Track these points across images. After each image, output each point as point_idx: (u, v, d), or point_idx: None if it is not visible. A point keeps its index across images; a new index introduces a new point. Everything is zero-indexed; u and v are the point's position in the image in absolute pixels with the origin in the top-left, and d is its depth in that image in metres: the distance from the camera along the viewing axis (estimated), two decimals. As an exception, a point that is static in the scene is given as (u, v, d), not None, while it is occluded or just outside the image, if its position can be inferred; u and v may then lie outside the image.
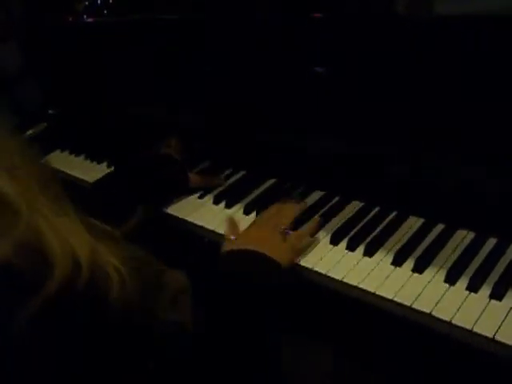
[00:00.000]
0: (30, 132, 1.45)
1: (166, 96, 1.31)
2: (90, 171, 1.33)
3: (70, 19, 1.43)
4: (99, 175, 1.28)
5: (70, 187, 1.32)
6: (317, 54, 0.99)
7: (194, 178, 1.15)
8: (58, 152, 1.48)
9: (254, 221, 0.98)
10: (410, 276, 0.83)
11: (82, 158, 1.42)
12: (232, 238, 0.94)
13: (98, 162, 1.36)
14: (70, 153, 1.45)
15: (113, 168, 1.31)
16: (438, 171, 0.92)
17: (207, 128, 1.26)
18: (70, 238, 0.51)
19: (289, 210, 0.97)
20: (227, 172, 1.21)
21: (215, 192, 1.14)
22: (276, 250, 0.86)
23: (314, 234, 0.96)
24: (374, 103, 0.95)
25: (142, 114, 1.39)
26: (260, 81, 1.11)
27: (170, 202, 1.11)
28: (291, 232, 0.92)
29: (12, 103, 1.67)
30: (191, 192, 1.14)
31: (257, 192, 1.13)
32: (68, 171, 1.37)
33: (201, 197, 1.14)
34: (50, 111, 1.48)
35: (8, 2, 1.51)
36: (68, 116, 1.52)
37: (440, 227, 0.92)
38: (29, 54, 1.64)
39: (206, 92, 1.22)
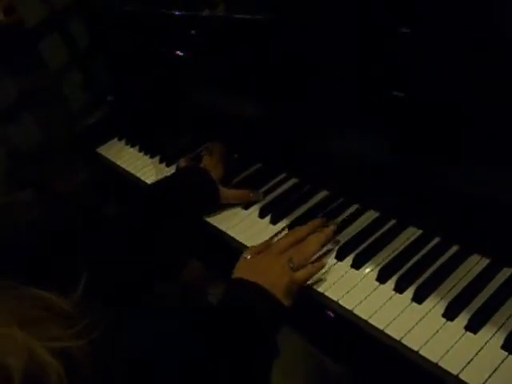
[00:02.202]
0: (90, 120, 1.43)
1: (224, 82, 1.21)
2: (140, 166, 1.30)
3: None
4: (147, 172, 1.26)
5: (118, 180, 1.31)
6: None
7: (226, 193, 1.05)
8: (115, 140, 1.46)
9: (272, 247, 0.88)
10: (462, 335, 0.72)
11: (136, 149, 1.38)
12: (247, 256, 0.87)
13: (151, 156, 1.32)
14: (126, 143, 1.42)
15: (164, 165, 1.26)
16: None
17: (263, 124, 1.15)
18: None
19: (309, 247, 0.86)
20: (279, 178, 1.12)
21: (263, 202, 1.06)
22: (279, 286, 0.79)
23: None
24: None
25: (199, 104, 1.31)
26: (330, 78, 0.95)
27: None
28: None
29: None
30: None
31: (308, 205, 1.03)
32: (119, 163, 1.34)
33: (246, 207, 1.06)
34: (109, 98, 1.45)
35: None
36: (127, 104, 1.48)
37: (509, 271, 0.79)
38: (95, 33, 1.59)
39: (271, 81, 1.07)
